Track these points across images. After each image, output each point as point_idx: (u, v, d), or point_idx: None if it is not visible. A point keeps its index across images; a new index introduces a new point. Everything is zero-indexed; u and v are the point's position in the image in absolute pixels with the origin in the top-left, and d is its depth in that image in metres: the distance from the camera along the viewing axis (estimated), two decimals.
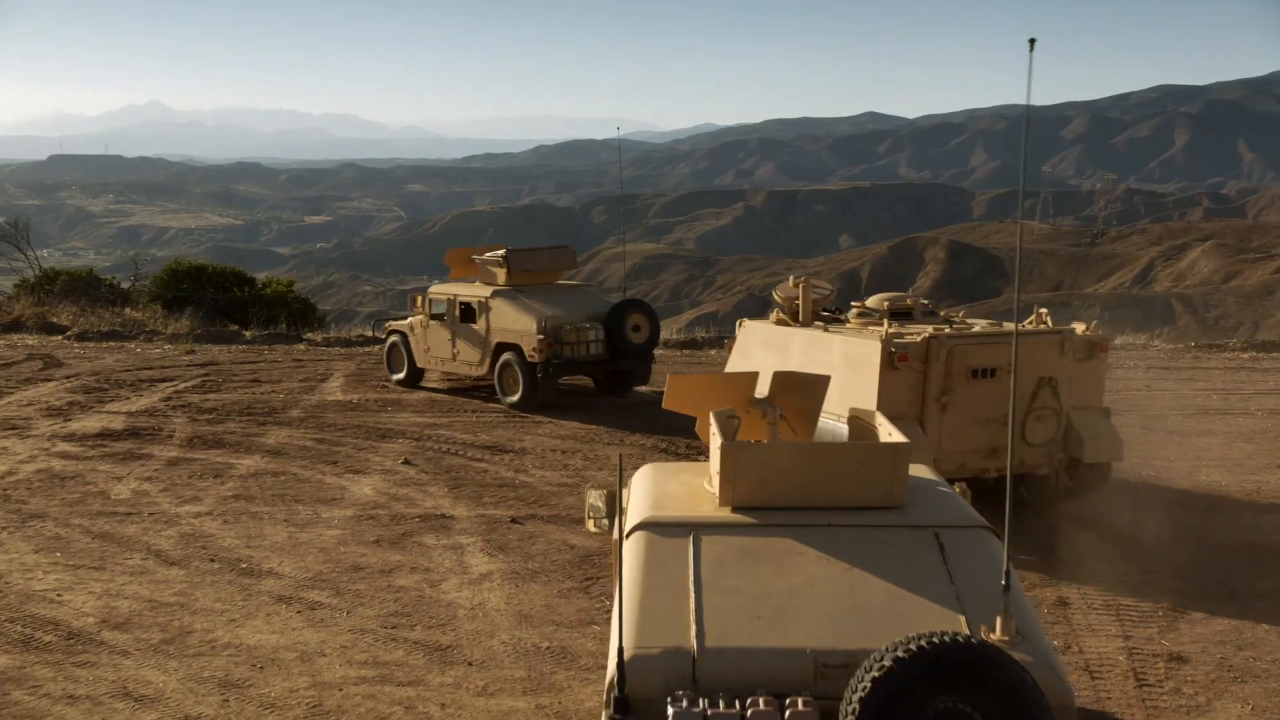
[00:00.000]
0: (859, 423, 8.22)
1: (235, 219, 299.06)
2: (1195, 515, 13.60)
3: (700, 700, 5.36)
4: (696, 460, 8.75)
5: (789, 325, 14.74)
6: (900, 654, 5.09)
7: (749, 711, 5.28)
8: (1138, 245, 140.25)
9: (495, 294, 19.76)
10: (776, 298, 15.44)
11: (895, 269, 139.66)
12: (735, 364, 15.16)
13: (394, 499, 14.20)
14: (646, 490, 7.16)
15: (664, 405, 8.22)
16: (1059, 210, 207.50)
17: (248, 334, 28.67)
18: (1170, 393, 20.87)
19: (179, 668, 9.30)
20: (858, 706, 5.10)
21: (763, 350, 14.70)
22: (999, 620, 5.62)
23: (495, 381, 19.87)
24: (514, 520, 13.33)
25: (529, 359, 19.16)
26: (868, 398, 12.61)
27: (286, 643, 9.83)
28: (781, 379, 8.15)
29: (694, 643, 5.72)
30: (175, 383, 21.79)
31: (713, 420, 7.12)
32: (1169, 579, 11.44)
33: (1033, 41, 5.95)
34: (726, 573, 6.16)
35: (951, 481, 7.57)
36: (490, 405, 19.91)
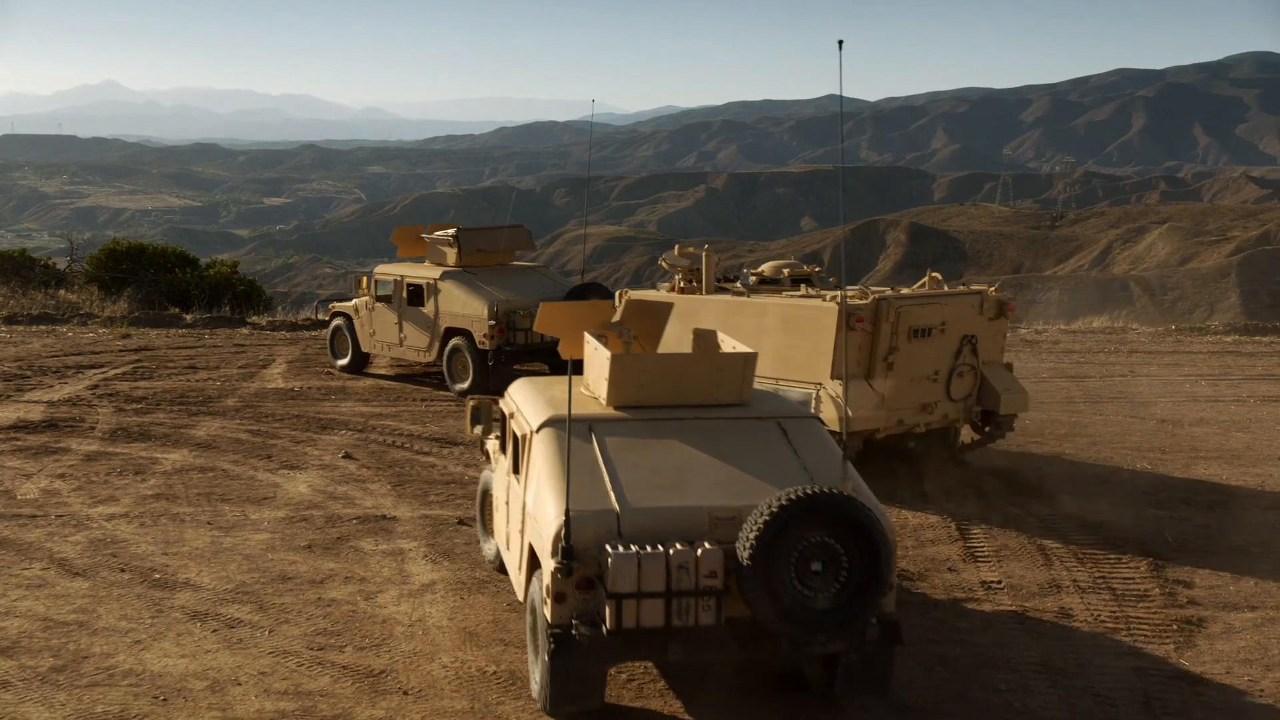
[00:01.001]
0: (704, 338, 9.89)
1: (193, 200, 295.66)
2: (1199, 513, 12.57)
3: (631, 545, 7.21)
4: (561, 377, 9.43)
5: (694, 294, 14.78)
6: (784, 501, 7.13)
7: (670, 551, 7.13)
8: (1096, 228, 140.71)
9: (445, 276, 18.72)
10: (665, 265, 15.41)
11: (857, 251, 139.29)
12: None
13: (331, 498, 13.03)
14: (532, 397, 8.97)
15: (535, 328, 10.25)
16: (1019, 193, 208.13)
17: (189, 317, 27.36)
18: (1157, 379, 19.97)
19: (67, 701, 8.10)
20: (754, 540, 7.07)
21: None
22: (842, 480, 7.91)
23: (444, 368, 18.88)
24: (461, 522, 12.18)
25: (479, 345, 18.18)
26: (819, 361, 12.96)
27: (197, 669, 8.65)
28: (633, 306, 10.10)
29: (616, 505, 7.58)
30: (105, 369, 20.49)
31: (589, 338, 9.18)
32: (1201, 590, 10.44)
33: (841, 43, 8.33)
34: (625, 455, 8.06)
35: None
36: (441, 393, 18.74)
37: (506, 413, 9.48)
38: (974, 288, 14.15)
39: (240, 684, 8.42)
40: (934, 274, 14.44)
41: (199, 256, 33.85)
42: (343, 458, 14.74)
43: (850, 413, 12.46)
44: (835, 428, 12.42)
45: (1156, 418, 17.14)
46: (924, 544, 11.61)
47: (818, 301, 13.30)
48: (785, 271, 14.94)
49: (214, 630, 9.36)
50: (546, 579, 7.50)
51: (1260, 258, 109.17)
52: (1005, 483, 13.69)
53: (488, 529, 10.81)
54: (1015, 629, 9.54)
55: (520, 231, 19.95)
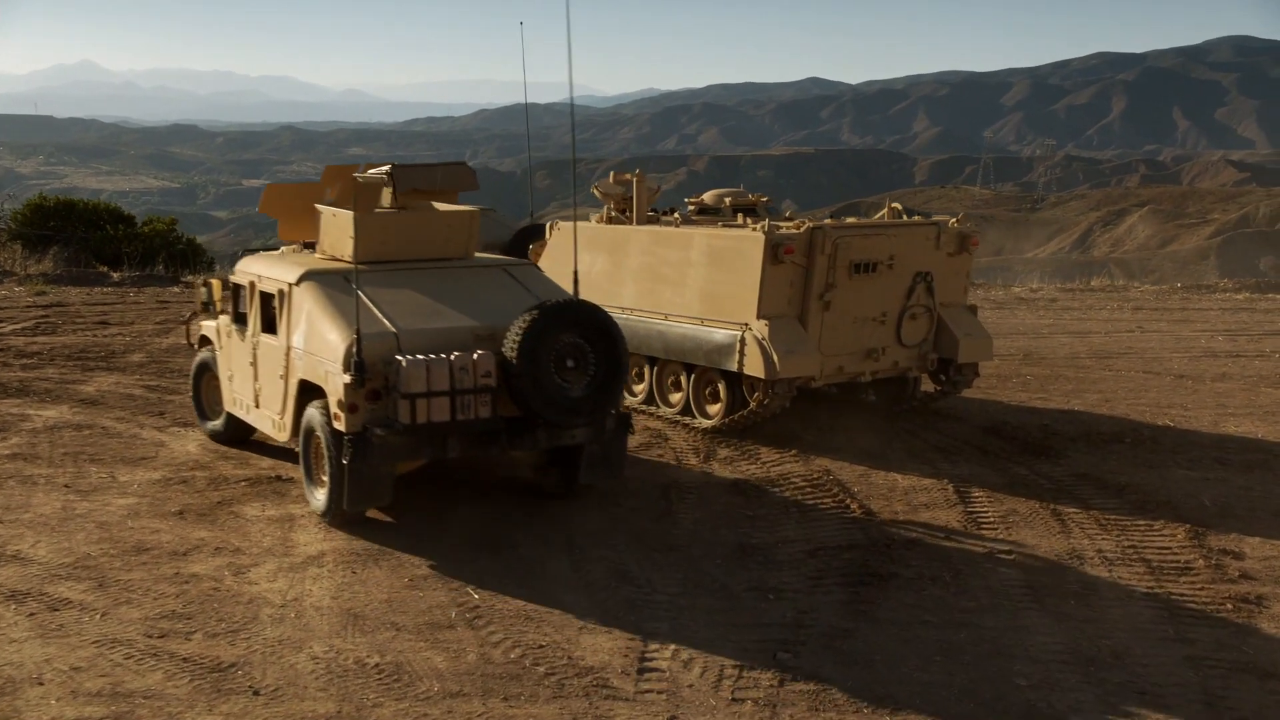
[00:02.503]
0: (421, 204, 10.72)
1: (171, 182, 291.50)
2: (1237, 473, 10.73)
3: (417, 355, 8.62)
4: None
5: (623, 224, 13.44)
6: (543, 308, 8.82)
7: (453, 356, 8.64)
8: (1077, 211, 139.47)
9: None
10: (597, 194, 14.05)
11: None
12: (547, 268, 13.17)
13: (224, 457, 11.12)
14: (273, 262, 10.20)
15: (259, 210, 11.09)
16: (1000, 176, 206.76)
17: (116, 275, 25.29)
18: (1168, 334, 18.18)
19: None
20: (520, 342, 8.64)
21: (588, 251, 13.33)
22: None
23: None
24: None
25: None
26: (745, 296, 11.49)
27: None
28: (349, 186, 10.29)
29: (394, 328, 8.94)
30: (4, 324, 18.43)
31: (325, 209, 10.36)
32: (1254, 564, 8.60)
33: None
34: (385, 295, 9.33)
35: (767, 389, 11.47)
36: None
37: (243, 284, 10.51)
38: (932, 219, 12.47)
39: (43, 683, 6.55)
40: (894, 204, 12.82)
41: (134, 214, 31.65)
42: None
43: (776, 357, 10.73)
44: (761, 375, 10.85)
45: (1173, 373, 15.34)
46: (916, 508, 9.76)
47: (744, 231, 11.65)
48: (728, 200, 13.41)
49: (31, 614, 7.48)
50: (339, 394, 8.65)
51: (1239, 240, 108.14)
52: (1007, 440, 11.86)
53: (206, 411, 11.80)
54: (1032, 609, 7.71)
55: (461, 169, 17.87)
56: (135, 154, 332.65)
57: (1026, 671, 6.79)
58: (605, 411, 9.09)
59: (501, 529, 9.20)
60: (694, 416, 12.34)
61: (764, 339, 11.16)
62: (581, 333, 8.90)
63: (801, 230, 11.38)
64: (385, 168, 17.28)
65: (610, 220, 13.69)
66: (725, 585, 8.09)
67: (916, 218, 12.44)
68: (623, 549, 8.77)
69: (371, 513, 9.49)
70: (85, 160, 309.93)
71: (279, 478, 10.43)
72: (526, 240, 16.39)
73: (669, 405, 12.73)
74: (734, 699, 6.47)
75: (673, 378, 12.68)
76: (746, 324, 11.34)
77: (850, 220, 12.11)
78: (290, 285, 9.60)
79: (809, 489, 10.26)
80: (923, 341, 12.16)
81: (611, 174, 14.15)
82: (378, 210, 10.27)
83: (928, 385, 12.94)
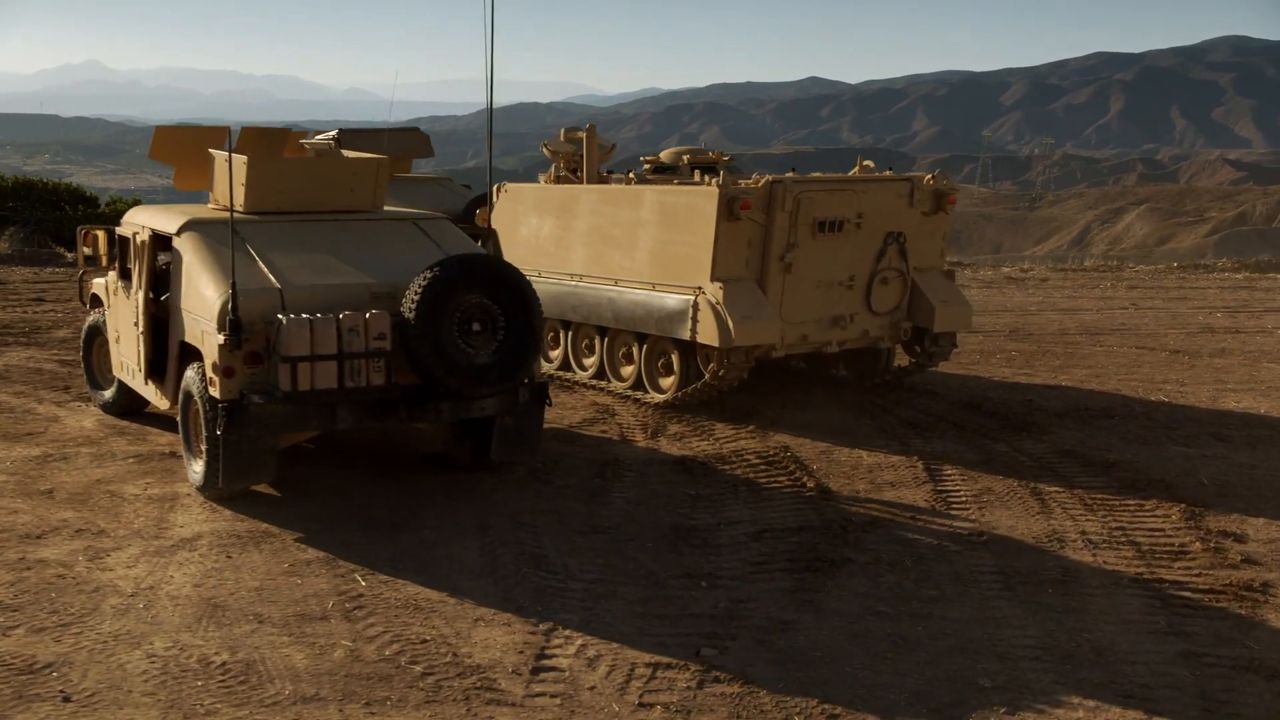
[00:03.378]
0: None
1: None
2: (1237, 450, 9.65)
3: (301, 314, 7.54)
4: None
5: (572, 183, 12.54)
6: (445, 264, 7.87)
7: (340, 316, 7.55)
8: (1075, 209, 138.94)
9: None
10: (547, 152, 13.05)
11: None
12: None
13: (118, 433, 10.03)
14: (159, 213, 9.10)
15: (150, 155, 9.99)
16: (998, 175, 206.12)
17: (70, 256, 24.16)
18: (1163, 311, 17.12)
19: None
20: (419, 301, 7.68)
21: (536, 214, 12.45)
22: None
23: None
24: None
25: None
26: (698, 258, 10.47)
27: None
28: (248, 134, 9.77)
29: (278, 283, 7.95)
30: None
31: (217, 154, 9.27)
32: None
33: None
34: (275, 247, 8.39)
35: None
36: None
37: (128, 236, 9.47)
38: (904, 175, 11.34)
39: None
40: (866, 162, 11.72)
41: (97, 195, 30.53)
42: None
43: (731, 323, 9.69)
44: (715, 343, 9.81)
45: (1168, 348, 14.27)
46: (880, 486, 8.70)
47: (698, 187, 10.59)
48: (685, 158, 12.38)
49: None
50: (213, 357, 7.67)
51: (1236, 238, 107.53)
52: (986, 416, 10.80)
53: (99, 380, 10.79)
54: (1003, 599, 6.65)
55: (414, 134, 16.78)
56: (140, 152, 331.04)
57: (992, 670, 5.73)
58: (515, 381, 8.12)
59: (411, 509, 8.15)
60: (646, 391, 11.27)
61: (718, 304, 10.09)
62: (489, 293, 7.97)
63: (760, 185, 10.30)
64: (332, 133, 16.28)
65: (558, 180, 12.65)
66: (652, 572, 7.03)
67: (888, 172, 11.34)
68: (541, 532, 7.71)
69: (265, 489, 8.45)
70: (91, 159, 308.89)
71: (174, 454, 9.34)
72: (478, 208, 15.33)
73: (620, 379, 11.67)
74: (641, 703, 5.42)
75: (624, 349, 11.62)
76: (700, 288, 10.28)
77: (815, 175, 10.96)
78: (171, 236, 8.63)
79: (762, 466, 9.21)
80: (895, 309, 11.08)
81: (563, 131, 13.12)
82: (274, 158, 9.25)
83: (903, 360, 11.83)
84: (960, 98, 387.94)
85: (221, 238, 8.36)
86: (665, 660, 5.83)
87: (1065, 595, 6.66)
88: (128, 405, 10.45)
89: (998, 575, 6.95)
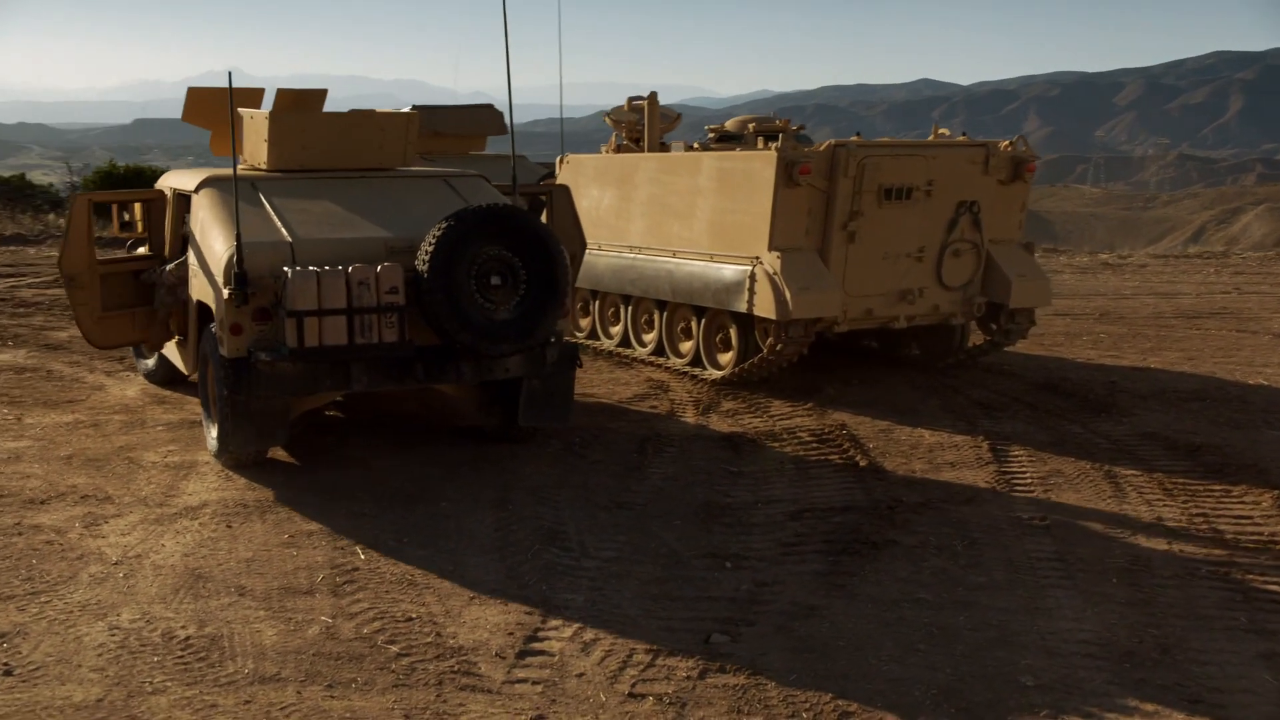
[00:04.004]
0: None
1: None
2: None
3: (309, 266, 7.10)
4: None
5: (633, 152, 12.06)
6: (461, 213, 7.36)
7: (350, 268, 7.08)
8: (1189, 209, 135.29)
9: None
10: (609, 121, 12.64)
11: None
12: None
13: (160, 402, 9.71)
14: (187, 173, 8.94)
15: (183, 118, 9.56)
16: (1110, 176, 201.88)
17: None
18: (1270, 295, 16.06)
19: None
20: (433, 252, 7.21)
21: (597, 186, 11.87)
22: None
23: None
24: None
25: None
26: (756, 226, 9.82)
27: None
28: (284, 96, 9.01)
29: (289, 237, 7.51)
30: (27, 278, 17.34)
31: (244, 111, 8.91)
32: None
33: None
34: (293, 203, 7.98)
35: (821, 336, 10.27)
36: None
37: (169, 198, 9.09)
38: (978, 140, 10.48)
39: None
40: (942, 130, 10.93)
41: None
42: None
43: (789, 295, 9.04)
44: (772, 315, 9.17)
45: (1273, 332, 13.28)
46: (939, 467, 8.02)
47: (756, 151, 9.93)
48: (751, 126, 11.63)
49: None
50: (221, 313, 7.32)
51: None
52: (1064, 397, 10.03)
53: (141, 348, 10.33)
54: (1060, 588, 5.96)
55: (487, 111, 16.26)
56: None
57: (1037, 667, 5.06)
58: (537, 338, 7.58)
59: (433, 481, 7.66)
60: (704, 368, 10.67)
61: (775, 274, 9.47)
62: (510, 245, 7.47)
63: (823, 149, 9.65)
64: (406, 108, 15.87)
65: (618, 149, 12.11)
66: (674, 551, 6.45)
67: (962, 137, 10.59)
68: (563, 507, 7.16)
69: (285, 458, 8.07)
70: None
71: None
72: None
73: (679, 356, 11.08)
74: (632, 694, 4.84)
75: (683, 324, 11.03)
76: (757, 258, 9.66)
77: (883, 140, 10.24)
78: (191, 194, 8.28)
79: (814, 444, 8.57)
80: (968, 283, 10.33)
81: (627, 100, 12.62)
82: (298, 113, 8.78)
83: (979, 338, 11.08)
84: (1073, 99, 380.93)
85: (243, 196, 7.96)
86: (669, 646, 5.25)
87: (1132, 586, 5.95)
88: (170, 374, 10.09)
89: (1057, 562, 6.26)
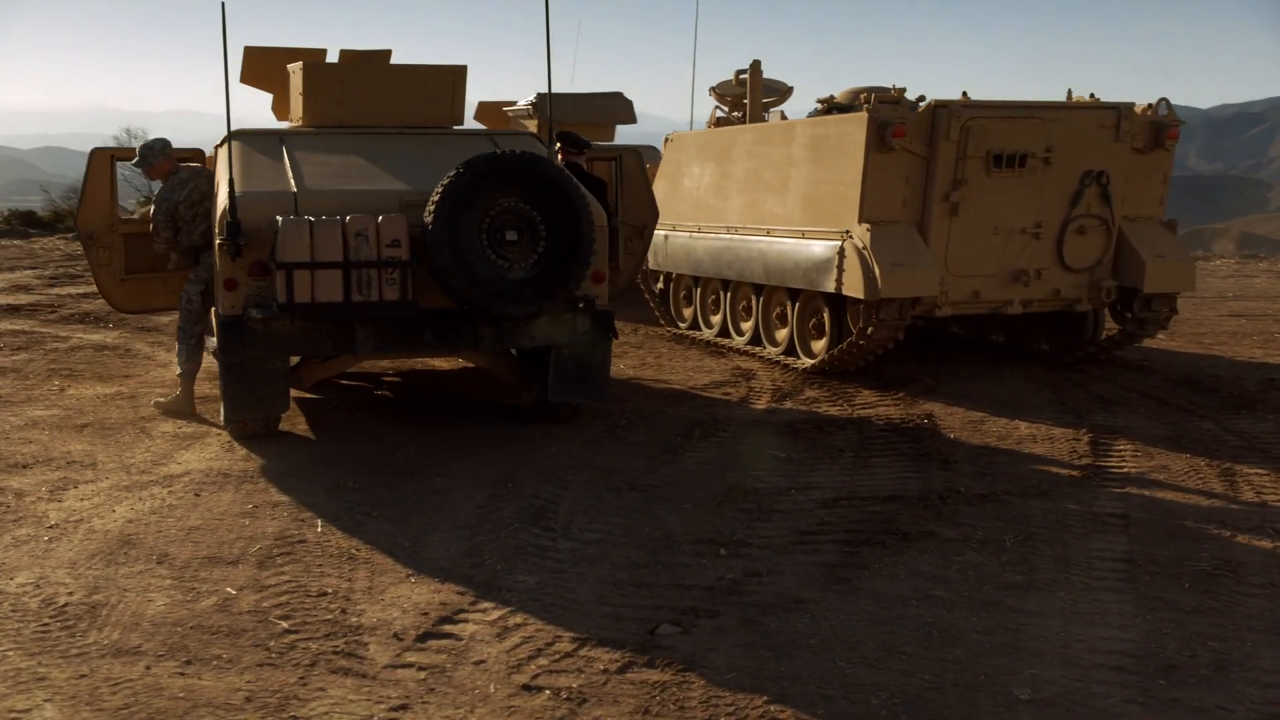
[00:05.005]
0: None
1: None
2: None
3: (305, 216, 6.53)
4: None
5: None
6: (469, 161, 6.61)
7: (348, 218, 6.48)
8: None
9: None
10: (713, 95, 11.85)
11: None
12: (661, 188, 11.27)
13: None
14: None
15: (241, 80, 9.07)
16: None
17: None
18: None
19: None
20: (439, 202, 6.53)
21: (698, 163, 10.93)
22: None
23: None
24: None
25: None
26: (847, 195, 8.76)
27: None
28: (348, 56, 8.51)
29: (294, 187, 6.88)
30: None
31: (291, 66, 8.32)
32: None
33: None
34: (317, 157, 7.36)
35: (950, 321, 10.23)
36: None
37: (208, 157, 8.45)
38: (1109, 103, 9.15)
39: None
40: (1078, 97, 9.53)
41: None
42: None
43: (879, 271, 8.02)
44: (860, 295, 8.16)
45: None
46: (1022, 459, 6.92)
47: (848, 114, 8.91)
48: (864, 96, 10.54)
49: None
50: (217, 267, 6.87)
51: None
52: (1204, 394, 8.75)
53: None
54: (1115, 591, 4.88)
55: (617, 100, 15.55)
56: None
57: (1044, 679, 4.02)
58: (556, 300, 6.85)
59: (442, 457, 6.97)
60: (798, 356, 9.69)
61: (865, 249, 8.46)
62: (528, 196, 6.74)
63: (922, 110, 8.61)
64: (530, 98, 15.33)
65: (717, 123, 11.27)
66: (670, 535, 5.56)
67: (1091, 96, 9.35)
68: (570, 487, 6.36)
69: (301, 430, 7.53)
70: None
71: None
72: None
73: (775, 344, 10.13)
74: (529, 686, 4.00)
75: (779, 309, 10.07)
76: (847, 232, 8.68)
77: (993, 100, 9.09)
78: (216, 149, 7.81)
79: (887, 432, 7.57)
80: (1096, 264, 9.08)
81: (734, 73, 11.77)
82: (336, 63, 8.34)
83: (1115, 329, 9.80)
84: None
85: (261, 147, 7.45)
86: (603, 636, 4.39)
87: (1206, 592, 4.81)
88: None
89: (1124, 563, 5.15)
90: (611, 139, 15.62)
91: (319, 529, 5.63)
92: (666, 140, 11.79)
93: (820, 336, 9.42)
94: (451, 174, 6.63)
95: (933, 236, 8.64)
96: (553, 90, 7.73)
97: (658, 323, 12.28)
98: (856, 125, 8.60)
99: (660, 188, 11.60)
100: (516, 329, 7.03)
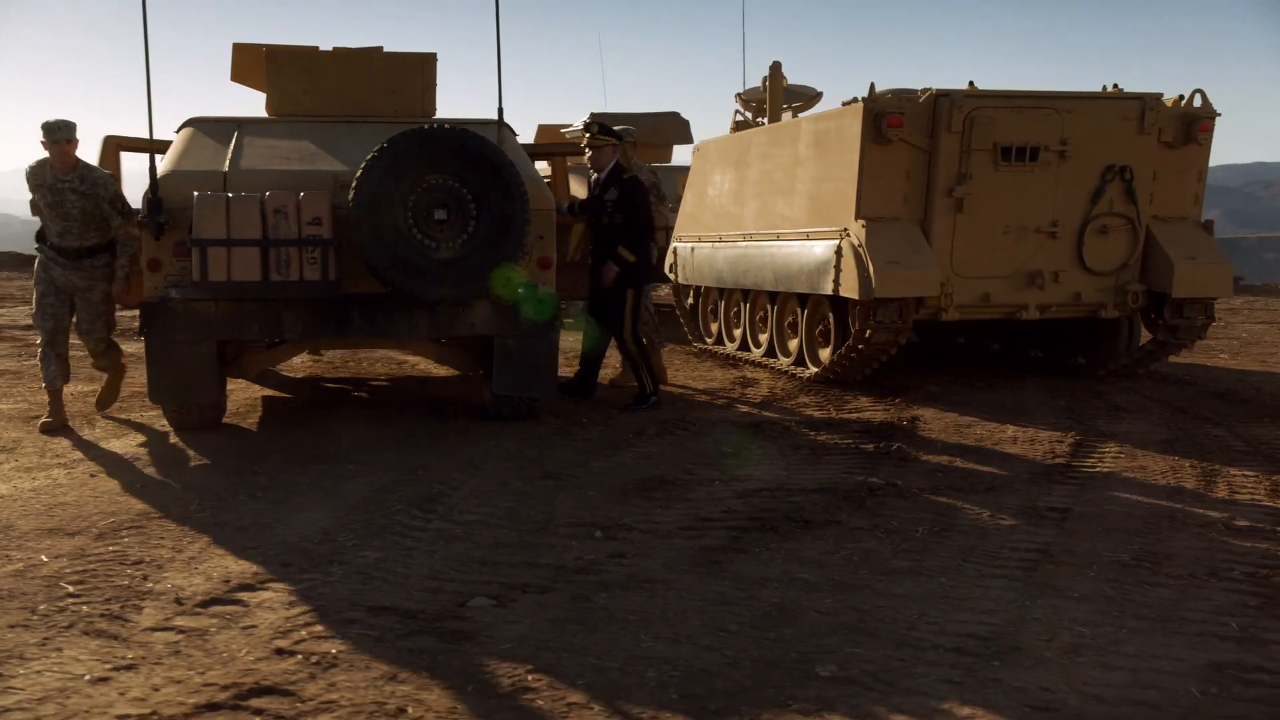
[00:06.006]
0: None
1: None
2: None
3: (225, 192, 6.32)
4: None
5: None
6: (394, 138, 6.35)
7: (266, 194, 6.27)
8: None
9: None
10: (739, 101, 11.74)
11: None
12: (689, 200, 11.13)
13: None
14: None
15: (231, 78, 8.77)
16: None
17: None
18: None
19: None
20: (360, 179, 6.29)
21: (720, 171, 10.45)
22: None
23: None
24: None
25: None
26: (845, 192, 8.23)
27: None
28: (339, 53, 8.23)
29: (226, 166, 6.73)
30: None
31: (266, 53, 8.02)
32: None
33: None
34: (263, 141, 7.12)
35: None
36: None
37: None
38: (1133, 93, 8.44)
39: None
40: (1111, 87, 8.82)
41: None
42: None
43: (873, 269, 7.50)
44: (855, 295, 7.66)
45: None
46: (984, 460, 6.35)
47: (847, 107, 8.40)
48: (890, 96, 10.09)
49: None
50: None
51: None
52: (1233, 404, 8.07)
53: None
54: (1009, 579, 4.33)
55: (672, 119, 15.19)
56: None
57: (861, 657, 3.54)
58: (483, 283, 6.52)
59: (373, 448, 6.66)
60: (806, 366, 9.18)
61: (860, 246, 7.95)
62: (457, 173, 6.43)
63: (921, 99, 8.11)
64: (584, 118, 15.09)
65: (735, 128, 10.87)
66: (551, 519, 5.15)
67: (1114, 86, 8.70)
68: (480, 475, 5.99)
69: (248, 424, 7.25)
70: None
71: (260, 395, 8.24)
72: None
73: (786, 355, 9.62)
74: (281, 650, 3.62)
75: (791, 318, 9.57)
76: (845, 230, 8.18)
77: (1003, 90, 8.45)
78: (176, 131, 7.57)
79: (861, 434, 7.02)
80: (1121, 267, 8.40)
81: (763, 79, 11.37)
82: (299, 49, 8.11)
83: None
84: None
85: (212, 132, 7.29)
86: (406, 607, 3.99)
87: (1110, 582, 4.23)
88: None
89: (1035, 554, 4.58)
90: (668, 159, 15.29)
91: (193, 507, 5.33)
92: (695, 150, 11.41)
93: (828, 344, 8.90)
94: (375, 150, 6.38)
95: (936, 235, 8.10)
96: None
97: (688, 340, 11.85)
98: (853, 117, 8.14)
99: (688, 198, 11.25)
100: (455, 316, 6.73)
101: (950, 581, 4.22)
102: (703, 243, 10.79)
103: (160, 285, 6.54)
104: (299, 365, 10.11)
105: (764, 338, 9.98)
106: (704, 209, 10.85)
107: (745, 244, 9.84)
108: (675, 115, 15.26)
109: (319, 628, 3.78)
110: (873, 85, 8.18)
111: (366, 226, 6.28)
